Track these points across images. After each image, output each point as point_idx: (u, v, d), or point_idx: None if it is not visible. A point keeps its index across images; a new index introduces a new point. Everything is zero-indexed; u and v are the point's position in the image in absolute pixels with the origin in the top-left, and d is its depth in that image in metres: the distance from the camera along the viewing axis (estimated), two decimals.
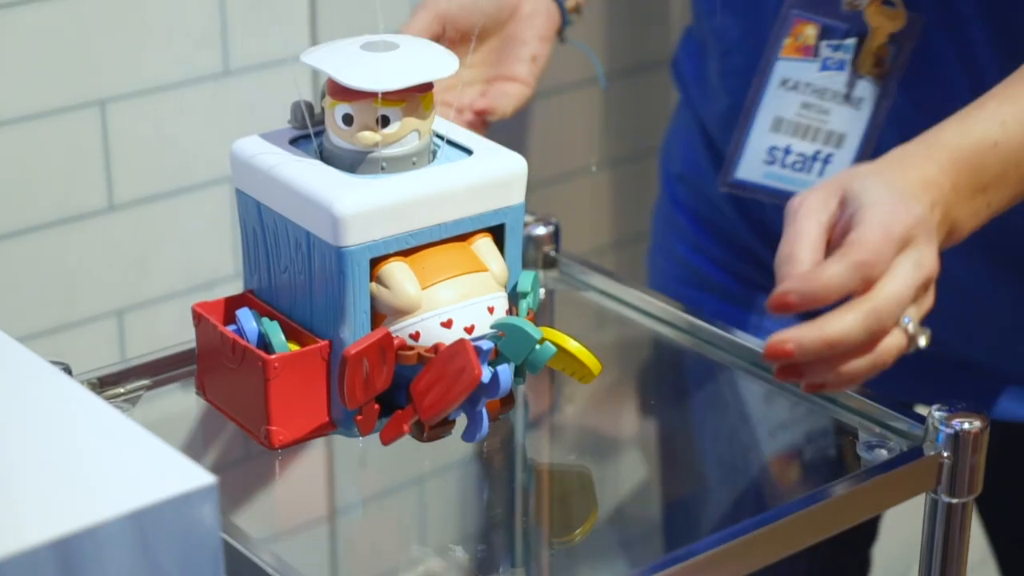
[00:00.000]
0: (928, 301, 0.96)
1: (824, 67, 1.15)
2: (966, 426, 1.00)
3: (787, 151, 1.16)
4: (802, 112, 1.16)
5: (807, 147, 1.16)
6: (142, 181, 1.40)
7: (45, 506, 0.77)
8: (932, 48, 1.14)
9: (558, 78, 1.67)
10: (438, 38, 1.19)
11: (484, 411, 0.99)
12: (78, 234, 1.38)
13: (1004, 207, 1.02)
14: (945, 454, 1.00)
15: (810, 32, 1.16)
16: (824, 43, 1.15)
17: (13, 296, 1.36)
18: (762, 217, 1.28)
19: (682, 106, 1.40)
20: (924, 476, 1.01)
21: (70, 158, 1.36)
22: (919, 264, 0.93)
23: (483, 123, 1.19)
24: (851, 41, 1.15)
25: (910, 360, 0.97)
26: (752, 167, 1.17)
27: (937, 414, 1.01)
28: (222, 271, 1.45)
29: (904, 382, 1.19)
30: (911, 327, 0.93)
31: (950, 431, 1.00)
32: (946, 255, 0.98)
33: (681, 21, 1.70)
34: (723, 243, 1.34)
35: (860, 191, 0.95)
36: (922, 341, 0.94)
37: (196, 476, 0.79)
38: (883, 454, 1.02)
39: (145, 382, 1.09)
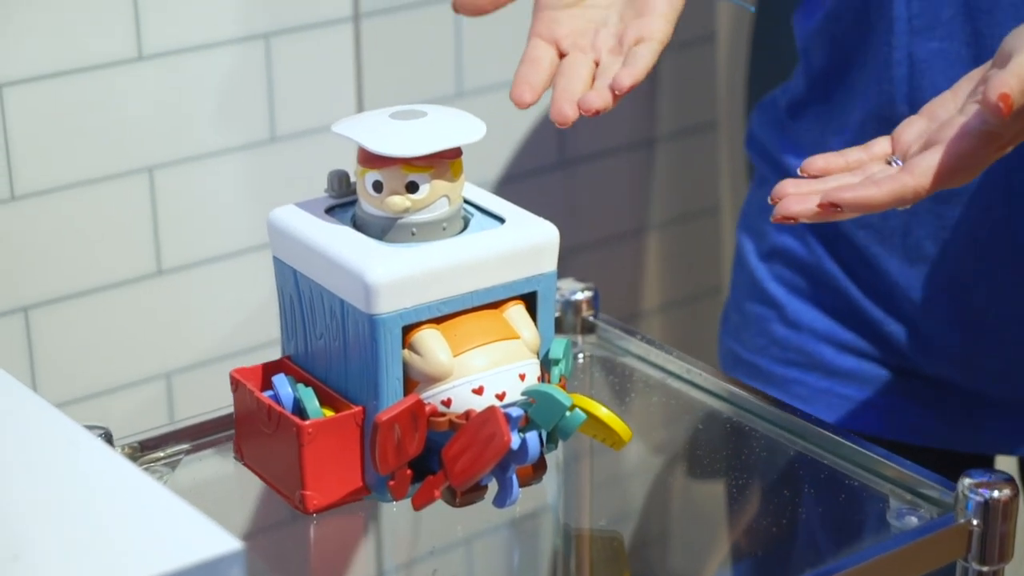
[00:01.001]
0: None
1: None
2: (996, 494, 1.00)
3: None
4: None
5: None
6: (189, 246, 1.42)
7: (76, 570, 0.79)
8: None
9: (603, 142, 1.69)
10: None
11: (514, 477, 1.00)
12: (127, 298, 1.40)
13: None
14: (975, 522, 1.01)
15: None
16: None
17: (65, 358, 1.38)
18: (874, 277, 1.30)
19: (765, 181, 1.38)
20: (954, 544, 1.01)
21: (119, 223, 1.39)
22: None
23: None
24: None
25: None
26: None
27: (967, 481, 1.01)
28: (269, 335, 1.47)
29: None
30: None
31: (980, 499, 1.00)
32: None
33: (729, 83, 1.71)
34: (832, 315, 1.34)
35: None
36: None
37: (224, 542, 0.80)
38: (913, 521, 1.03)
39: (185, 446, 1.11)
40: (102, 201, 1.37)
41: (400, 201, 1.00)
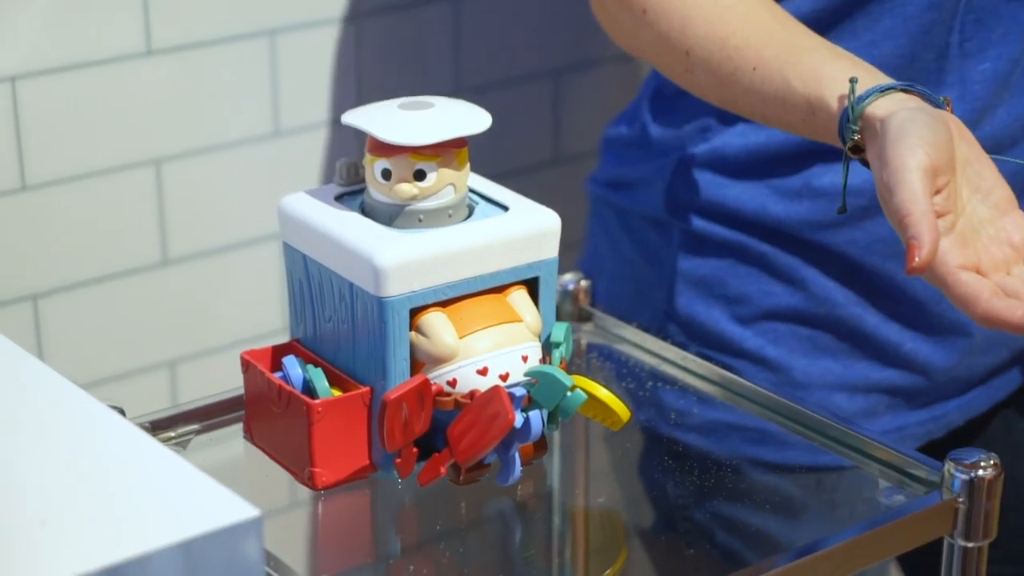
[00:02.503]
0: None
1: None
2: (981, 473, 1.04)
3: None
4: None
5: None
6: (195, 237, 1.45)
7: (100, 536, 0.82)
8: None
9: (598, 139, 1.72)
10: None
11: (517, 455, 1.03)
12: (134, 287, 1.43)
13: None
14: (960, 499, 1.04)
15: None
16: None
17: (73, 346, 1.41)
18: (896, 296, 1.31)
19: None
20: (940, 520, 1.04)
21: (127, 214, 1.42)
22: None
23: None
24: None
25: None
26: None
27: (953, 461, 1.05)
28: (270, 325, 1.50)
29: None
30: None
31: (965, 477, 1.04)
32: None
33: None
34: (842, 353, 1.33)
35: None
36: None
37: (241, 510, 0.83)
38: (901, 499, 1.06)
39: (195, 427, 1.14)
40: (110, 192, 1.40)
41: (408, 188, 1.04)
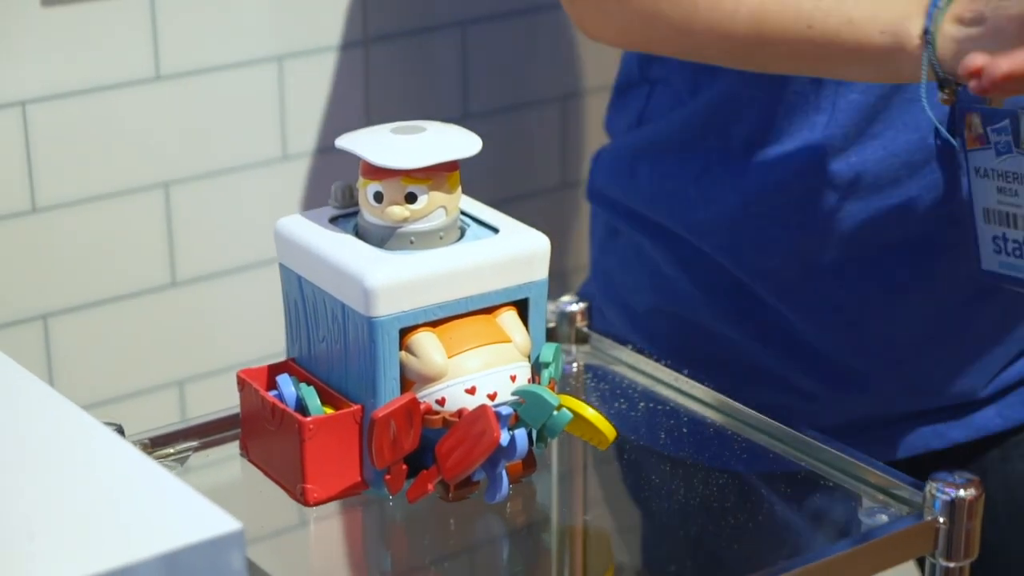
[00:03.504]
0: None
1: (998, 152, 1.17)
2: (962, 493, 1.05)
3: (1004, 238, 1.19)
4: (1000, 199, 1.18)
5: (1019, 235, 1.18)
6: (203, 259, 1.48)
7: (86, 548, 0.83)
8: None
9: None
10: None
11: (504, 473, 1.05)
12: (142, 308, 1.45)
13: None
14: (941, 519, 1.06)
15: (976, 121, 1.18)
16: (989, 128, 1.17)
17: (82, 365, 1.44)
18: (764, 320, 1.32)
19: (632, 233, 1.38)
20: (921, 540, 1.06)
21: (136, 236, 1.44)
22: None
23: None
24: (1004, 123, 1.17)
25: None
26: (989, 258, 1.19)
27: (935, 482, 1.06)
28: (277, 346, 1.52)
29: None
30: None
31: (946, 498, 1.05)
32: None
33: None
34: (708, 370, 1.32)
35: None
36: None
37: (223, 522, 0.85)
38: (883, 519, 1.08)
39: (193, 443, 1.16)
40: (119, 214, 1.43)
41: (400, 211, 1.06)
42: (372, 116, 1.54)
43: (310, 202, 1.51)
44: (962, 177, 1.22)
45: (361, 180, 1.07)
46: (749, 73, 1.24)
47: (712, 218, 1.30)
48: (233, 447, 1.15)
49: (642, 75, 1.36)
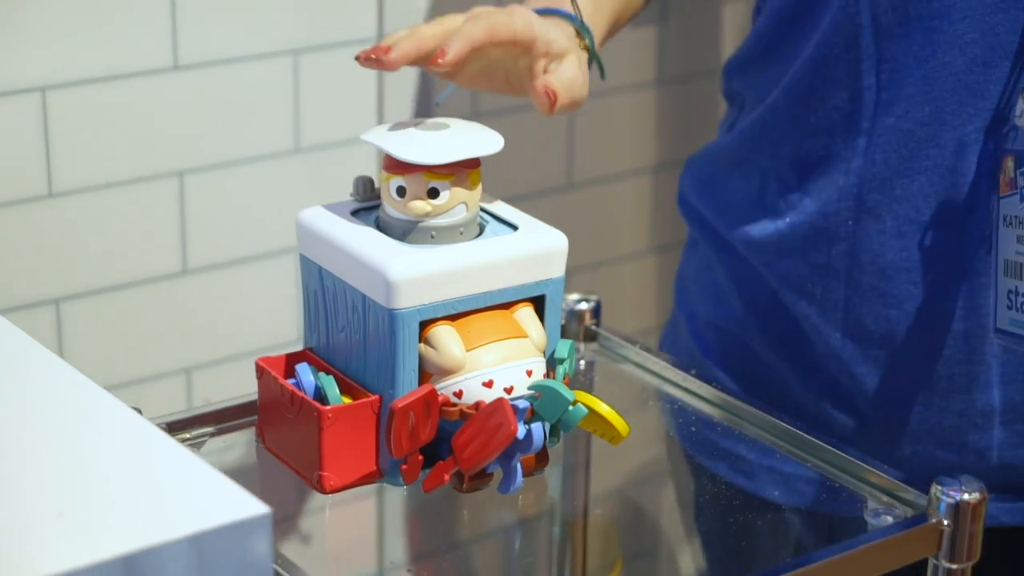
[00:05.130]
0: None
1: (1022, 197, 1.08)
2: (966, 496, 1.07)
3: (1016, 292, 1.10)
4: (1019, 249, 1.08)
5: None
6: (214, 247, 1.49)
7: (114, 528, 0.85)
8: None
9: (609, 166, 1.75)
10: None
11: (519, 466, 1.07)
12: (153, 295, 1.47)
13: None
14: (946, 522, 1.08)
15: (1010, 164, 1.09)
16: (1019, 172, 1.08)
17: (93, 350, 1.45)
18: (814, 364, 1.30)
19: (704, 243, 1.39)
20: (926, 542, 1.08)
21: (149, 223, 1.46)
22: None
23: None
24: None
25: None
26: (1002, 316, 1.11)
27: (940, 485, 1.08)
28: (285, 335, 1.54)
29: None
30: None
31: (951, 501, 1.07)
32: None
33: None
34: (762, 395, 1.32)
35: None
36: None
37: (251, 506, 0.86)
38: (888, 520, 1.10)
39: (209, 429, 1.18)
40: (134, 201, 1.44)
41: (422, 205, 1.07)
42: (384, 110, 1.55)
43: (322, 194, 1.51)
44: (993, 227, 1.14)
45: (384, 174, 1.09)
46: (793, 92, 1.24)
47: (764, 236, 1.29)
48: (247, 434, 1.17)
49: (728, 86, 1.37)
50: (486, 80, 1.20)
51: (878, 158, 1.22)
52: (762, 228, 1.29)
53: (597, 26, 1.24)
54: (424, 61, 1.14)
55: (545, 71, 1.16)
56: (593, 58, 1.21)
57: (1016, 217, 1.09)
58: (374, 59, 1.10)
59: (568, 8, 1.19)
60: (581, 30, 1.19)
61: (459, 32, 1.11)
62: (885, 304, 1.24)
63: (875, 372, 1.26)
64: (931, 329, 1.23)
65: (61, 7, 1.36)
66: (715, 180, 1.35)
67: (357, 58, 1.11)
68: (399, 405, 1.04)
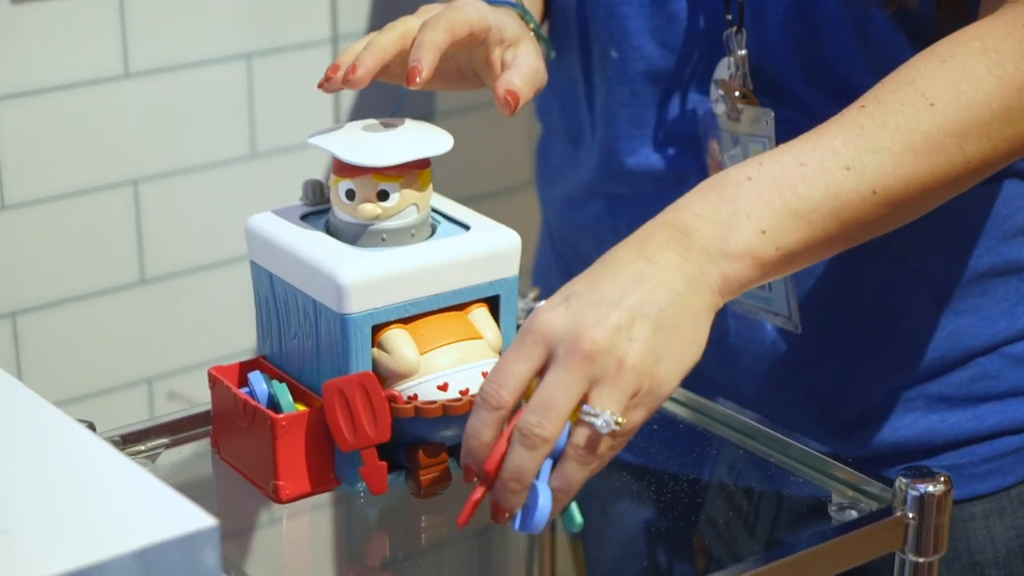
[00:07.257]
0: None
1: None
2: (931, 489, 1.06)
3: None
4: None
5: None
6: (172, 256, 1.48)
7: (60, 544, 0.83)
8: None
9: None
10: None
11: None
12: (111, 306, 1.45)
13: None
14: (911, 515, 1.06)
15: (715, 148, 1.23)
16: (725, 155, 1.21)
17: (51, 363, 1.44)
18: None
19: None
20: (891, 535, 1.06)
21: (105, 234, 1.44)
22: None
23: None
24: None
25: None
26: None
27: (904, 479, 1.07)
28: (246, 343, 1.53)
29: None
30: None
31: (915, 493, 1.06)
32: None
33: None
34: None
35: None
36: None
37: (198, 519, 0.85)
38: (853, 514, 1.08)
39: (164, 440, 1.16)
40: (88, 212, 1.43)
41: (371, 208, 1.06)
42: (341, 114, 1.54)
43: (279, 199, 1.50)
44: None
45: (333, 177, 1.08)
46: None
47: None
48: (204, 444, 1.15)
49: None
50: (440, 79, 1.19)
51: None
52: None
53: (534, 10, 1.25)
54: (386, 73, 1.12)
55: (503, 63, 1.15)
56: (541, 40, 1.20)
57: None
58: (342, 82, 1.09)
59: None
60: (524, 15, 1.18)
61: (423, 42, 1.09)
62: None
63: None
64: None
65: (9, 17, 1.35)
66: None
67: (320, 85, 1.10)
68: (330, 383, 1.02)
